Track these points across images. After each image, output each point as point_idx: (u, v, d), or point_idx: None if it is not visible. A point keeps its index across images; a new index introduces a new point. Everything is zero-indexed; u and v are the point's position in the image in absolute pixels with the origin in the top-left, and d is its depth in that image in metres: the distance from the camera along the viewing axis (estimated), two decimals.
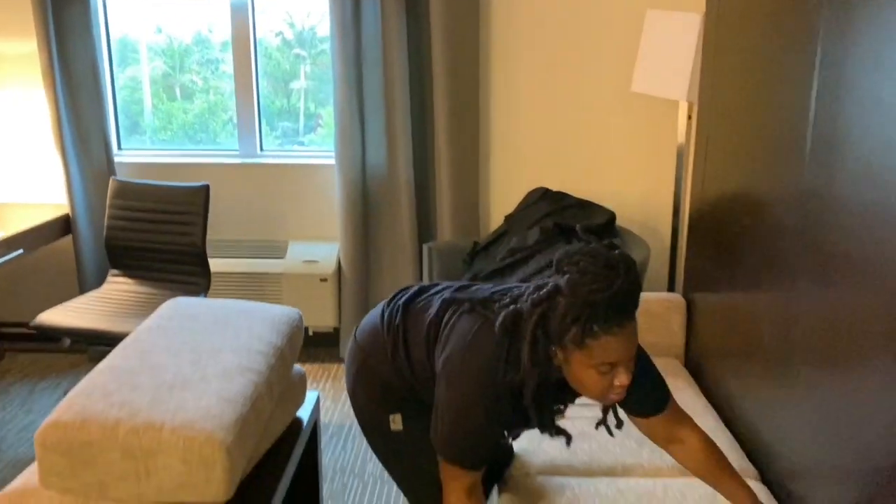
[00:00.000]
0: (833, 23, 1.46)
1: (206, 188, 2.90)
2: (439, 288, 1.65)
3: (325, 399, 3.02)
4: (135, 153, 3.53)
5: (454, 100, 3.11)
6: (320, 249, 3.34)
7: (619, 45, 3.11)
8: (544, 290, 1.34)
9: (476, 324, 1.46)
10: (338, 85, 3.12)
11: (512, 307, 1.41)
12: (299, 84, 3.60)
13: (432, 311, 1.56)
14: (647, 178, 3.24)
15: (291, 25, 3.51)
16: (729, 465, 1.53)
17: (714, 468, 1.52)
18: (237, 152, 3.50)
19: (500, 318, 1.40)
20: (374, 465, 2.61)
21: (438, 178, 3.21)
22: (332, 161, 3.26)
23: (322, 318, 3.30)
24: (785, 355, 1.66)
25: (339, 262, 3.30)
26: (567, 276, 1.30)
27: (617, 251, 1.33)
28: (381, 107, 3.16)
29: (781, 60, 1.70)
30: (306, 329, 3.31)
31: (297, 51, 3.57)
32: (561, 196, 3.04)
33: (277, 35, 3.52)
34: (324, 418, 2.88)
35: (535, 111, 3.24)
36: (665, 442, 1.57)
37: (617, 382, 1.33)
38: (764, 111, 1.81)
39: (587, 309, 1.26)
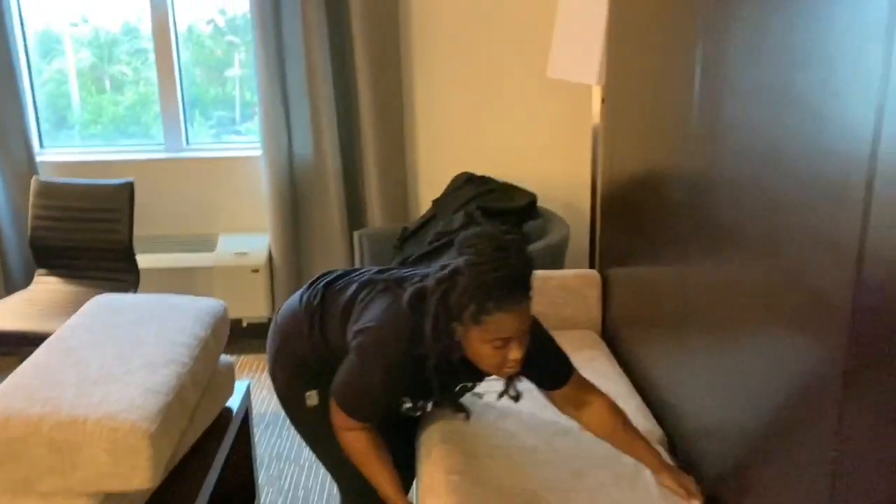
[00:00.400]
0: (710, 18, 1.57)
1: (131, 185, 2.89)
2: (360, 272, 1.74)
3: (261, 388, 3.06)
4: (58, 151, 3.49)
5: (377, 88, 3.17)
6: (251, 241, 3.37)
7: (537, 30, 3.21)
8: (447, 270, 1.43)
9: (387, 300, 1.56)
10: (261, 78, 3.14)
11: (419, 285, 1.51)
12: (234, 72, 3.59)
13: (350, 291, 1.66)
14: (566, 160, 3.35)
15: (223, 13, 3.49)
16: (633, 429, 1.65)
17: (620, 432, 1.64)
18: (163, 146, 3.49)
19: (406, 294, 1.51)
20: (309, 451, 2.67)
21: (366, 165, 3.27)
22: (259, 153, 3.28)
23: (255, 309, 3.33)
24: (681, 323, 1.78)
25: (270, 253, 3.33)
26: (465, 258, 1.40)
27: (510, 235, 1.44)
28: (306, 97, 3.19)
29: (670, 47, 1.82)
30: (240, 321, 3.34)
31: (229, 38, 3.56)
32: (485, 180, 3.13)
33: (209, 23, 3.50)
34: (259, 408, 2.93)
35: (457, 97, 3.32)
36: (573, 410, 1.68)
37: (511, 356, 1.44)
38: (659, 96, 1.92)
39: (482, 288, 1.37)
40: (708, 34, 1.59)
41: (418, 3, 3.22)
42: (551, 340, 1.66)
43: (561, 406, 1.70)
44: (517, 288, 1.39)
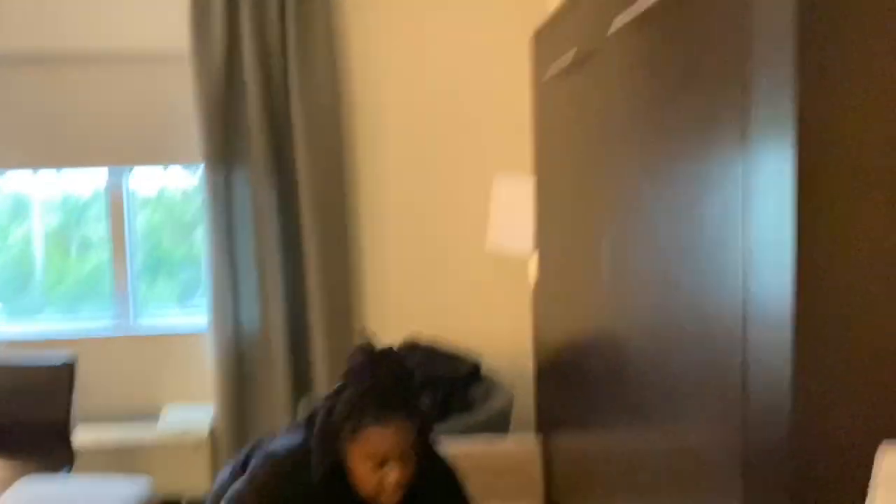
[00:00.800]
0: (611, 199, 1.72)
1: (71, 366, 2.87)
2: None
3: None
4: (5, 325, 3.47)
5: (326, 257, 3.28)
6: (195, 413, 3.32)
7: (478, 202, 3.40)
8: (335, 387, 1.48)
9: (291, 433, 1.60)
10: (211, 254, 3.24)
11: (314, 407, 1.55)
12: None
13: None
14: (511, 322, 3.44)
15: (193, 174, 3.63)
16: None
17: None
18: (112, 326, 3.49)
19: (302, 415, 1.57)
20: None
21: (313, 333, 3.31)
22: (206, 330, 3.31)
23: (197, 485, 3.22)
24: (611, 492, 1.79)
25: (213, 426, 3.28)
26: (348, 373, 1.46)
27: (388, 348, 1.50)
28: (254, 270, 3.28)
29: (582, 227, 1.96)
30: (178, 499, 3.22)
31: (192, 199, 3.68)
32: (429, 349, 3.18)
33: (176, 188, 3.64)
34: None
35: (404, 265, 3.45)
36: None
37: (388, 480, 1.40)
38: (576, 272, 2.04)
39: (357, 401, 1.40)
40: (612, 219, 1.73)
41: (366, 176, 3.41)
42: (452, 479, 1.60)
43: None
44: (389, 403, 1.41)
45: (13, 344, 3.34)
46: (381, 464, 1.40)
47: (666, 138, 1.39)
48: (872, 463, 0.89)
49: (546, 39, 2.29)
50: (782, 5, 0.97)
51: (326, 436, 1.43)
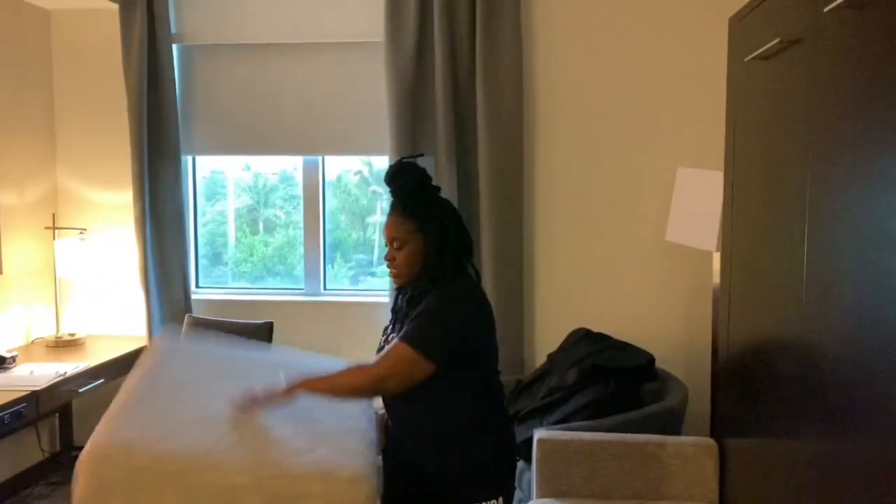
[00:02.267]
0: (818, 203, 1.62)
1: (271, 325, 3.15)
2: None
3: None
4: (210, 291, 3.87)
5: (499, 239, 3.34)
6: None
7: (656, 197, 3.32)
8: None
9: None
10: None
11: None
12: (375, 218, 3.91)
13: None
14: (687, 321, 3.34)
15: (368, 164, 3.87)
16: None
17: None
18: (303, 290, 3.79)
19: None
20: None
21: None
22: (385, 300, 3.50)
23: None
24: (794, 499, 1.71)
25: None
26: None
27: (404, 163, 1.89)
28: None
29: (782, 225, 1.86)
30: None
31: (373, 188, 3.91)
32: (601, 337, 3.16)
33: (356, 173, 3.89)
34: None
35: (577, 253, 3.44)
36: None
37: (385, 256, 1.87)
38: (771, 269, 1.95)
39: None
40: (815, 218, 1.64)
41: (543, 168, 3.44)
42: (433, 298, 1.80)
43: None
44: (395, 197, 1.85)
45: (217, 306, 3.70)
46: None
47: (880, 129, 1.29)
48: None
49: (745, 24, 2.19)
50: None
51: None
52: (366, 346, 3.61)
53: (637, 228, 3.38)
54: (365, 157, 3.81)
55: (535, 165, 3.45)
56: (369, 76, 3.50)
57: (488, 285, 3.34)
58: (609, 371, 2.90)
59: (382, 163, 3.77)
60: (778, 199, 1.89)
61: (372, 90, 3.49)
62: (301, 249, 3.81)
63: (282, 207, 3.97)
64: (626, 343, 3.12)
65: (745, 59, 2.07)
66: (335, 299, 3.72)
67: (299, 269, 3.86)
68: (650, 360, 3.01)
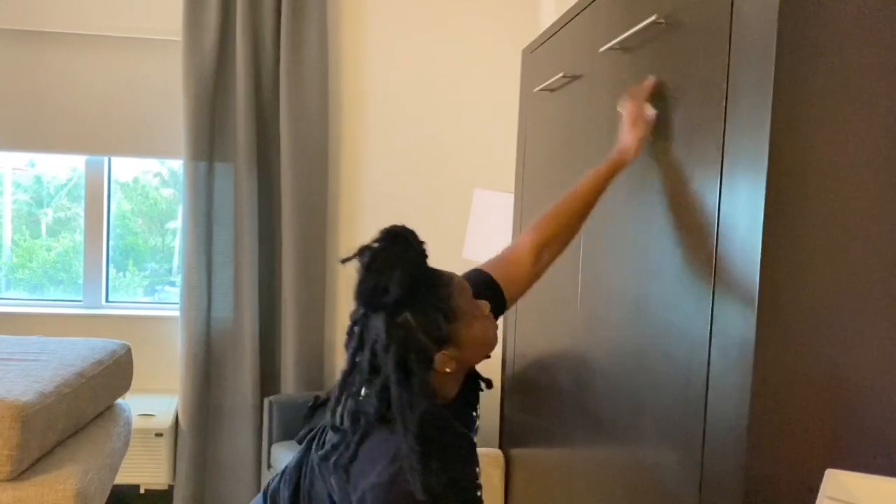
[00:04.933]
0: (590, 225, 1.75)
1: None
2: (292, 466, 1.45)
3: None
4: None
5: (302, 257, 3.27)
6: (158, 402, 3.29)
7: (454, 216, 3.43)
8: (377, 342, 1.22)
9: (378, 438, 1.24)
10: (186, 242, 3.22)
11: (364, 397, 1.25)
12: (175, 224, 3.67)
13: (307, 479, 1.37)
14: None
15: (166, 166, 3.63)
16: (561, 205, 1.47)
17: (557, 218, 1.46)
18: (81, 302, 3.47)
19: (371, 413, 1.22)
20: None
21: (284, 331, 3.30)
22: (177, 313, 3.30)
23: (155, 476, 3.19)
24: None
25: (176, 417, 3.26)
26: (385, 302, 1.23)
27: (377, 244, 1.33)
28: (231, 262, 3.27)
29: None
30: (137, 486, 3.19)
31: (168, 190, 3.67)
32: None
33: (156, 175, 3.62)
34: None
35: None
36: (535, 269, 1.48)
37: (487, 313, 1.31)
38: (551, 286, 2.07)
39: (423, 295, 1.23)
40: (589, 244, 1.77)
41: (348, 180, 3.43)
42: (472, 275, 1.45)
43: (526, 277, 1.49)
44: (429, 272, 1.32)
45: None
46: (478, 308, 1.30)
47: (644, 161, 1.42)
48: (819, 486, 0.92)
49: (535, 58, 2.33)
50: (762, 40, 1.01)
51: (417, 377, 1.20)
52: (154, 365, 3.41)
53: (437, 245, 3.44)
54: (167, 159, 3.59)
55: (341, 177, 3.43)
56: (165, 76, 3.31)
57: (290, 301, 3.26)
58: None
59: (180, 165, 3.57)
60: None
61: (167, 91, 3.30)
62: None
63: (69, 209, 3.63)
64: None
65: (534, 91, 2.21)
66: (118, 312, 3.44)
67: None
68: None
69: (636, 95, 1.40)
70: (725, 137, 1.11)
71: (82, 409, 1.82)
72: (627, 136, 1.40)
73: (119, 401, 2.35)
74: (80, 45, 3.29)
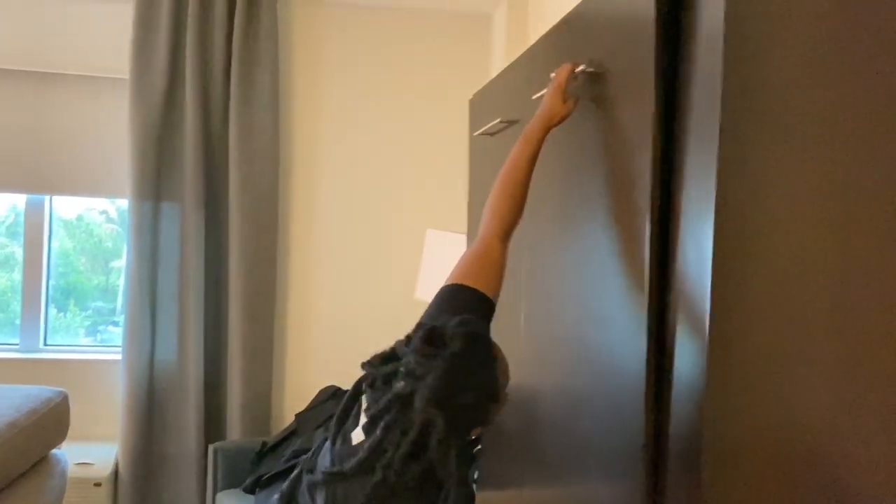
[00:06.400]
0: (533, 270, 1.76)
1: None
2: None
3: None
4: None
5: (249, 298, 3.22)
6: (97, 450, 3.16)
7: (407, 257, 3.42)
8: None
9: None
10: (130, 283, 3.14)
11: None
12: (120, 262, 3.56)
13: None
14: None
15: (114, 202, 3.54)
16: (508, 169, 1.45)
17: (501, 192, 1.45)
18: (18, 346, 3.34)
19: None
20: None
21: (230, 375, 3.22)
22: (118, 357, 3.19)
23: None
24: None
25: (116, 465, 3.13)
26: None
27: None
28: (175, 304, 3.19)
29: (504, 284, 2.00)
30: None
31: (112, 226, 3.57)
32: None
33: (102, 213, 3.53)
34: None
35: (329, 312, 3.41)
36: (505, 258, 1.44)
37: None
38: (499, 324, 2.07)
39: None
40: (532, 285, 1.78)
41: (298, 223, 3.39)
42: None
43: (502, 270, 1.45)
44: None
45: None
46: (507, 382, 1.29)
47: (578, 204, 1.44)
48: None
49: (479, 104, 2.39)
50: (709, 88, 1.04)
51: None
52: (93, 411, 3.27)
53: (389, 286, 3.45)
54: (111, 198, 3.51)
55: (291, 220, 3.39)
56: (111, 114, 3.25)
57: (236, 343, 3.19)
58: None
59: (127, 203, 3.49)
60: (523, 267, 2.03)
61: (112, 129, 3.24)
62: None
63: (6, 247, 3.50)
64: None
65: (474, 134, 2.26)
66: (57, 356, 3.32)
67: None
68: None
69: (564, 68, 1.43)
70: (672, 184, 1.13)
71: (14, 462, 1.73)
72: (555, 97, 1.43)
73: (54, 450, 2.25)
74: (19, 82, 3.22)
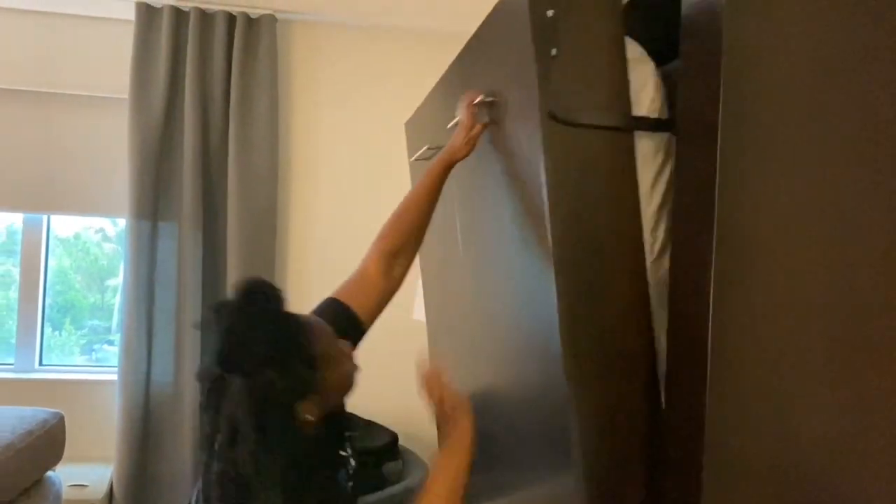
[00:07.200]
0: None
1: None
2: None
3: None
4: None
5: None
6: (91, 472, 3.13)
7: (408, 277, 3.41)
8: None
9: None
10: (127, 302, 3.13)
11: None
12: (116, 281, 3.55)
13: None
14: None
15: (114, 222, 3.53)
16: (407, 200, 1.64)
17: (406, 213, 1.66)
18: (13, 366, 3.32)
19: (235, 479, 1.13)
20: None
21: None
22: (114, 377, 3.17)
23: None
24: None
25: (111, 487, 3.10)
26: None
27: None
28: (172, 324, 3.18)
29: (450, 298, 2.00)
30: None
31: (111, 245, 3.56)
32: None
33: (98, 231, 3.52)
34: None
35: None
36: (390, 279, 1.59)
37: (348, 352, 1.34)
38: (448, 334, 2.08)
39: (284, 350, 1.16)
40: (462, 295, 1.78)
41: (296, 243, 3.39)
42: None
43: (380, 293, 1.59)
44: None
45: None
46: (343, 354, 1.31)
47: (485, 222, 1.47)
48: None
49: (412, 129, 2.45)
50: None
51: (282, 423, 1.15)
52: (88, 432, 3.23)
53: (387, 307, 3.43)
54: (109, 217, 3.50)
55: (288, 241, 3.39)
56: (109, 133, 3.26)
57: None
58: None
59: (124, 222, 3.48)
60: (443, 275, 2.07)
61: (111, 148, 3.24)
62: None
63: (2, 265, 3.49)
64: (370, 421, 3.11)
65: (411, 160, 2.31)
66: (52, 377, 3.29)
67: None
68: (393, 438, 3.02)
69: (466, 100, 1.50)
70: None
71: (8, 485, 1.70)
72: (458, 136, 1.52)
73: (49, 473, 2.23)
74: (24, 101, 3.23)
